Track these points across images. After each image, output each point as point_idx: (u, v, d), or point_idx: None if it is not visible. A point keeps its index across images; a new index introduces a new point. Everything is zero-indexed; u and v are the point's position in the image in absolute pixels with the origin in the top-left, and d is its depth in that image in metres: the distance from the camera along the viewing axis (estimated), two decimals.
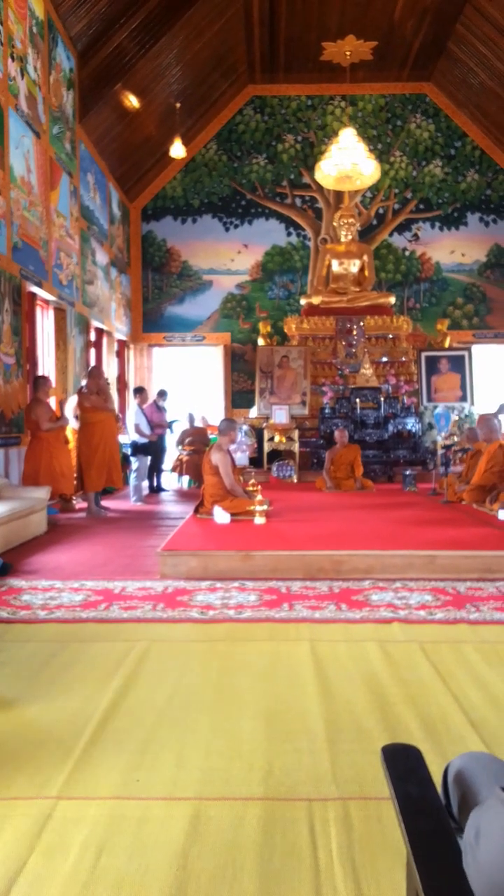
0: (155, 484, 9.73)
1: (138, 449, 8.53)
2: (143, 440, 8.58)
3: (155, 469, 9.69)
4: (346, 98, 12.94)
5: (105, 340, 11.24)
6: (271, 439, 10.39)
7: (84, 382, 7.90)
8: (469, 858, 1.02)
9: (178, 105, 11.28)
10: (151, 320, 13.29)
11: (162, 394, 10.12)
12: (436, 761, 2.08)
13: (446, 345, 11.97)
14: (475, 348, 12.39)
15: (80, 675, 2.95)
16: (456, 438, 9.78)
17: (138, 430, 8.58)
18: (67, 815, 1.96)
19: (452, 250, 13.14)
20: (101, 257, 11.00)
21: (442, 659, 3.10)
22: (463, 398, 11.41)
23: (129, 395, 12.64)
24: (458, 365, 11.60)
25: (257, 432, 10.63)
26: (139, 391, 9.15)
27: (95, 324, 10.53)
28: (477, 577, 4.61)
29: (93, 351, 10.60)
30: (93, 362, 10.41)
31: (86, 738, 2.38)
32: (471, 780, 1.25)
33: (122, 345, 12.67)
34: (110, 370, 11.42)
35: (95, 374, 7.97)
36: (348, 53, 11.67)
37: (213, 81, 11.97)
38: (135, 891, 1.65)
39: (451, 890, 0.93)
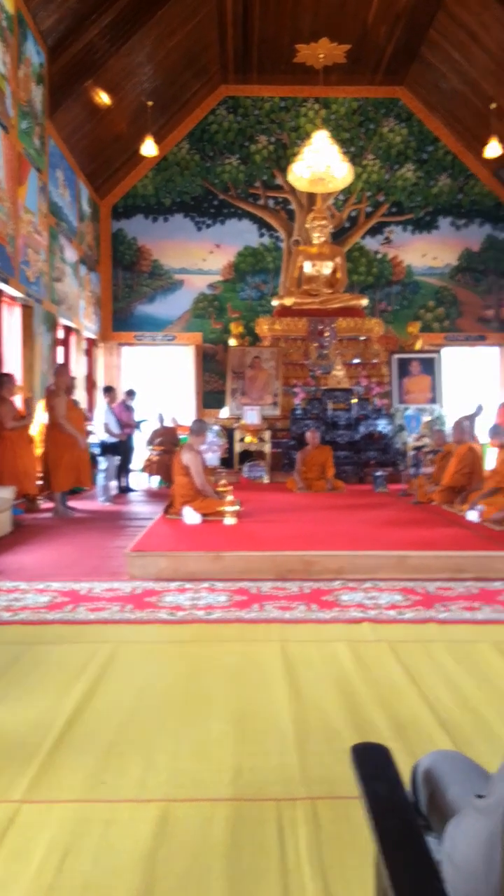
0: (124, 484, 9.65)
1: (107, 448, 8.44)
2: (112, 440, 8.50)
3: (124, 469, 9.62)
4: (320, 100, 12.99)
5: (73, 339, 11.11)
6: (242, 440, 10.37)
7: (52, 381, 7.80)
8: (448, 866, 1.01)
9: (149, 103, 11.21)
10: (121, 319, 13.18)
11: (130, 393, 10.06)
12: (405, 760, 2.09)
13: (417, 347, 12.07)
14: (446, 351, 12.53)
15: (45, 678, 2.90)
16: (426, 440, 9.86)
17: (107, 430, 8.50)
18: (32, 818, 1.91)
19: (424, 254, 13.28)
20: (70, 254, 10.87)
21: (411, 658, 3.11)
22: (433, 400, 11.52)
23: (98, 393, 12.53)
24: (429, 367, 11.71)
25: (228, 433, 10.61)
26: (108, 390, 9.06)
27: (63, 322, 10.41)
28: (447, 576, 4.64)
29: (60, 349, 10.47)
30: (60, 360, 10.29)
31: (51, 741, 2.33)
32: (439, 778, 1.24)
33: (91, 343, 12.55)
34: (78, 369, 11.30)
35: (62, 372, 7.87)
36: (322, 56, 11.72)
37: (186, 80, 11.92)
38: (101, 894, 1.62)
39: (419, 887, 0.92)
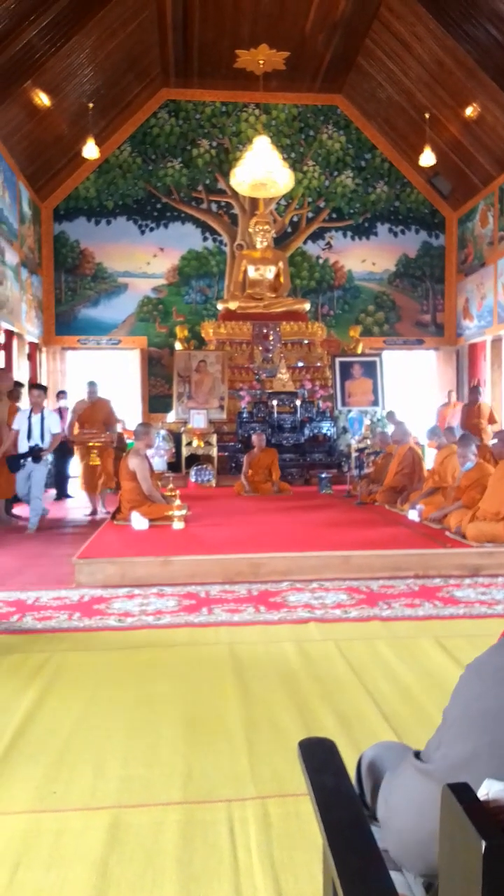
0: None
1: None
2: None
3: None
4: (260, 106, 13.10)
5: (15, 343, 10.90)
6: (189, 444, 10.37)
7: None
8: (382, 815, 1.07)
9: (90, 105, 11.10)
10: (65, 323, 12.98)
11: (63, 394, 10.11)
12: (351, 754, 2.15)
13: (359, 351, 12.31)
14: (386, 354, 12.80)
15: None
16: (369, 441, 10.06)
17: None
18: None
19: (363, 259, 13.53)
20: (11, 257, 10.67)
21: (356, 655, 3.20)
22: (375, 402, 11.76)
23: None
24: (370, 370, 11.95)
25: (175, 437, 10.59)
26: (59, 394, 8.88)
27: (4, 326, 10.20)
28: (389, 575, 4.77)
29: (1, 353, 10.26)
30: (1, 365, 10.08)
31: None
32: (382, 768, 1.30)
33: (34, 347, 12.32)
34: (21, 373, 11.08)
35: (3, 377, 7.72)
36: (261, 62, 11.83)
37: (127, 83, 11.85)
38: None
39: (365, 874, 0.97)
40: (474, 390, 10.45)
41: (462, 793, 0.77)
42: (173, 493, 7.06)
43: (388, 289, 13.58)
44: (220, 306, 12.40)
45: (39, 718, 2.58)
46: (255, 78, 12.16)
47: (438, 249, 13.62)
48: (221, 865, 1.75)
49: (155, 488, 6.56)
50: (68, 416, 8.57)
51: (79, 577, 4.64)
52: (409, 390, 13.33)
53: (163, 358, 12.96)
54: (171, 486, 7.65)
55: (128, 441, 10.02)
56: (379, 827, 1.26)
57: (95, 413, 8.17)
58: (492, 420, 9.82)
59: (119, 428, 10.66)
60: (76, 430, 8.06)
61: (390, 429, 9.13)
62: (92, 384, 8.36)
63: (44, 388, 7.41)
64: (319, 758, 1.24)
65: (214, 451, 10.30)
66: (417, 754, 1.05)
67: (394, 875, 1.07)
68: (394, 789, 1.06)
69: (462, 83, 10.42)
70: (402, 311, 13.61)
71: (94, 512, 7.89)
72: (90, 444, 7.89)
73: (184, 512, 6.09)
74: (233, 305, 12.06)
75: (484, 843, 0.69)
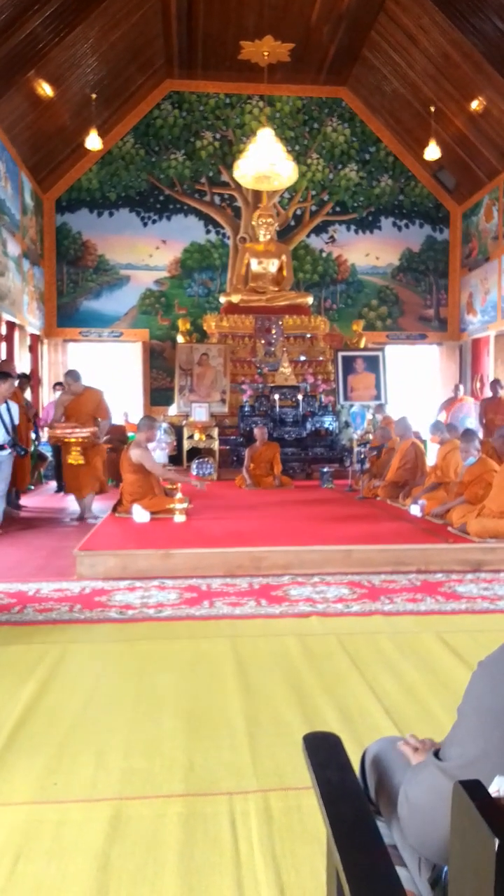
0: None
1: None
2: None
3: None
4: (264, 98, 13.02)
5: (17, 334, 10.88)
6: (191, 437, 10.35)
7: None
8: (404, 812, 1.07)
9: (93, 96, 11.04)
10: (66, 315, 12.95)
11: (59, 386, 10.02)
12: (353, 749, 2.14)
13: (361, 345, 12.27)
14: (388, 349, 12.76)
15: None
16: (371, 436, 10.05)
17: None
18: None
19: (367, 253, 13.48)
20: (13, 248, 10.63)
21: (358, 650, 3.19)
22: (377, 397, 11.73)
23: (43, 390, 12.30)
24: (373, 365, 11.92)
25: (177, 430, 10.58)
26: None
27: (6, 317, 10.18)
28: (390, 569, 4.76)
29: (3, 345, 10.24)
30: (3, 356, 10.06)
31: (0, 744, 2.30)
32: (386, 763, 1.30)
33: (36, 339, 12.30)
34: (22, 365, 11.06)
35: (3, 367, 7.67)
36: (266, 54, 11.76)
37: (130, 74, 11.78)
38: (54, 895, 1.62)
39: (370, 867, 0.96)
40: (495, 385, 10.35)
41: (474, 790, 0.76)
42: (175, 487, 7.05)
43: (392, 283, 13.54)
44: (222, 299, 12.37)
45: (40, 710, 2.58)
46: (260, 70, 12.09)
47: (442, 244, 13.57)
48: (223, 858, 1.74)
49: (157, 480, 6.54)
50: (51, 410, 8.07)
51: (80, 570, 4.63)
52: (412, 385, 13.29)
53: (165, 351, 12.93)
54: None
55: (129, 434, 10.02)
56: (384, 822, 1.26)
57: (82, 405, 7.11)
58: None
59: (122, 420, 10.66)
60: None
61: (378, 419, 9.18)
62: (71, 373, 7.20)
63: (9, 377, 6.60)
64: (324, 752, 1.24)
65: (216, 445, 10.29)
66: (437, 752, 1.05)
67: (399, 871, 1.07)
68: (413, 786, 1.06)
69: (468, 76, 10.35)
70: (406, 306, 13.57)
71: (80, 517, 7.10)
72: (68, 440, 6.95)
73: (185, 505, 6.08)
74: (235, 299, 12.02)
75: (497, 841, 0.68)
